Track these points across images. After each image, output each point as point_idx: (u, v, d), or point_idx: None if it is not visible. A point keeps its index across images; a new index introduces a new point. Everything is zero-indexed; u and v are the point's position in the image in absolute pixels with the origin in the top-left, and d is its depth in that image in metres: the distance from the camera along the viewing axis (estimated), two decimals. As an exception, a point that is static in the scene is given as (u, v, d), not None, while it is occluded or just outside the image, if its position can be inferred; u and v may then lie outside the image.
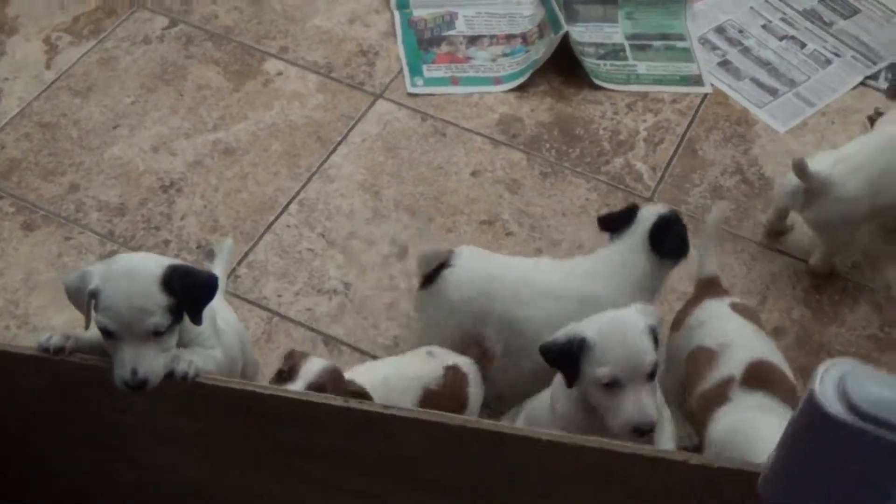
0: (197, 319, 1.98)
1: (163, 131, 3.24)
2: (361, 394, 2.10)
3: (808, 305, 2.93)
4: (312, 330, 2.80)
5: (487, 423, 1.96)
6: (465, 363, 2.47)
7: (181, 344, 2.01)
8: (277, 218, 3.05)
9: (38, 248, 2.93)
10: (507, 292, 2.52)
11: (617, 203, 3.12)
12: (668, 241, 2.51)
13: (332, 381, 2.09)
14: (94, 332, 1.96)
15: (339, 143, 3.25)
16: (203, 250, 2.95)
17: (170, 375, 1.93)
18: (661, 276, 2.55)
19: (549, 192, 3.16)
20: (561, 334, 2.07)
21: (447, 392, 2.40)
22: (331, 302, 2.86)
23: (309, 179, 3.15)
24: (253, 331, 2.76)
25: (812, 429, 0.95)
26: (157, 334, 1.91)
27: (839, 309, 2.93)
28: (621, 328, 2.03)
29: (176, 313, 1.94)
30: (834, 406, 0.92)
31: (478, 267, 2.55)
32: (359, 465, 2.04)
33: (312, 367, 2.10)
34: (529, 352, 2.29)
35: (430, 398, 2.34)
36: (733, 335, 2.40)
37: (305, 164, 3.19)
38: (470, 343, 2.53)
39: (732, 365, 2.32)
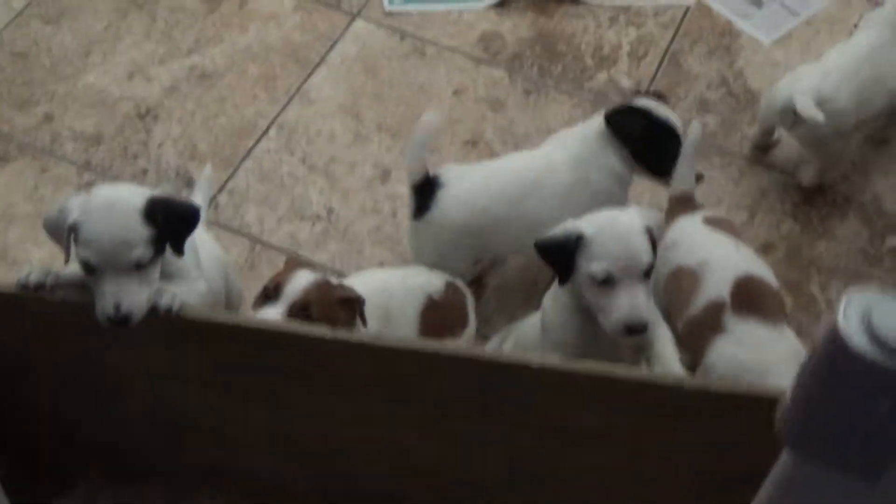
0: (179, 250, 1.95)
1: (137, 57, 3.17)
2: (351, 299, 2.08)
3: (797, 219, 2.90)
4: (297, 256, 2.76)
5: (480, 351, 1.93)
6: (461, 284, 2.50)
7: (163, 277, 1.96)
8: (257, 143, 3.00)
9: (13, 181, 2.87)
10: (503, 198, 2.50)
11: (601, 119, 3.07)
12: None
13: (318, 296, 2.06)
14: (74, 268, 1.92)
15: (318, 65, 3.19)
16: (182, 178, 2.89)
17: (153, 310, 1.90)
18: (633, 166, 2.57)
19: (533, 110, 3.11)
20: (558, 230, 2.04)
21: (449, 304, 2.43)
22: (314, 228, 2.82)
23: (288, 102, 3.09)
24: (236, 259, 2.72)
25: (835, 365, 0.92)
26: (139, 267, 1.87)
27: (828, 223, 2.91)
28: (619, 226, 2.01)
29: (158, 245, 1.90)
30: (859, 341, 0.89)
31: (470, 180, 2.52)
32: (351, 393, 2.02)
33: (297, 285, 2.06)
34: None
35: (432, 307, 2.37)
36: (712, 251, 2.38)
37: (284, 87, 3.13)
38: (467, 269, 2.53)
39: (718, 285, 2.30)
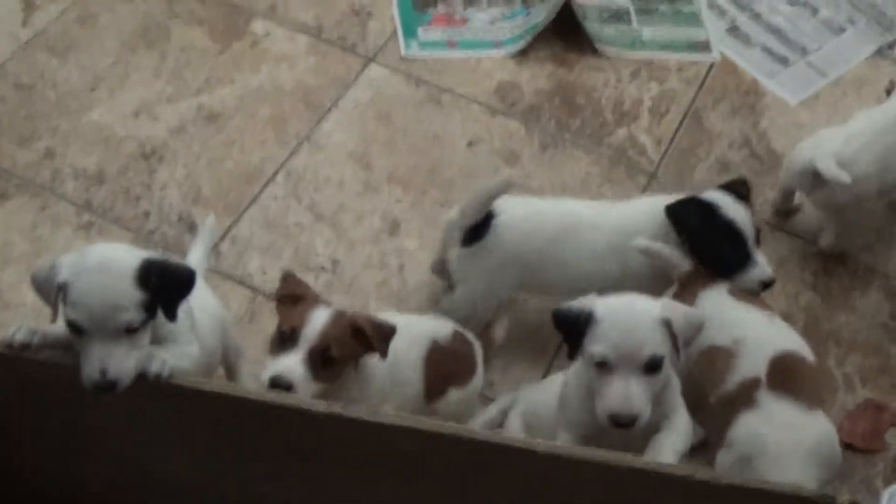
0: (172, 316, 1.87)
1: (144, 95, 3.09)
2: (362, 329, 2.04)
3: (817, 290, 2.82)
4: (298, 309, 2.67)
5: (482, 433, 1.87)
6: (471, 335, 2.47)
7: (154, 340, 1.89)
8: (263, 189, 2.91)
9: (11, 219, 2.79)
10: (546, 233, 2.50)
11: (619, 177, 3.00)
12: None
13: (336, 335, 2.02)
14: (61, 325, 1.84)
15: (330, 110, 3.11)
16: (185, 222, 2.81)
17: (142, 376, 1.82)
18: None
19: (549, 166, 3.03)
20: (575, 303, 1.99)
21: (455, 351, 2.40)
22: (318, 280, 2.74)
23: (297, 148, 3.01)
24: (236, 310, 2.64)
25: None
26: (129, 331, 1.80)
27: (849, 294, 2.82)
28: (630, 312, 1.94)
29: (150, 309, 1.83)
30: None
31: (524, 210, 2.52)
32: (347, 466, 1.94)
33: (314, 326, 2.01)
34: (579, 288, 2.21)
35: (437, 353, 2.33)
36: (746, 328, 2.30)
37: (294, 131, 3.05)
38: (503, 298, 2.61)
39: (754, 363, 2.24)
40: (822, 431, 2.17)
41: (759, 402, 2.18)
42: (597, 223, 2.51)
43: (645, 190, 2.98)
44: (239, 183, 2.91)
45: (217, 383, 1.93)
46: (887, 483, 2.49)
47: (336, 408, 1.84)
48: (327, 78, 3.18)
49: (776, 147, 3.12)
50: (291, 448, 1.93)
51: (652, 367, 1.92)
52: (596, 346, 1.92)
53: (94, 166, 2.91)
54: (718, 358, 2.27)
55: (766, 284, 2.41)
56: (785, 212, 2.95)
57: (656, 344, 1.92)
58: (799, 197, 2.92)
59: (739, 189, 2.49)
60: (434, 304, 2.68)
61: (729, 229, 2.40)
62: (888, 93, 3.12)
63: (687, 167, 3.06)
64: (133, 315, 1.79)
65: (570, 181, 2.98)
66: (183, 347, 1.97)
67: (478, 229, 2.47)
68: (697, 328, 2.00)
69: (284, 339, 2.02)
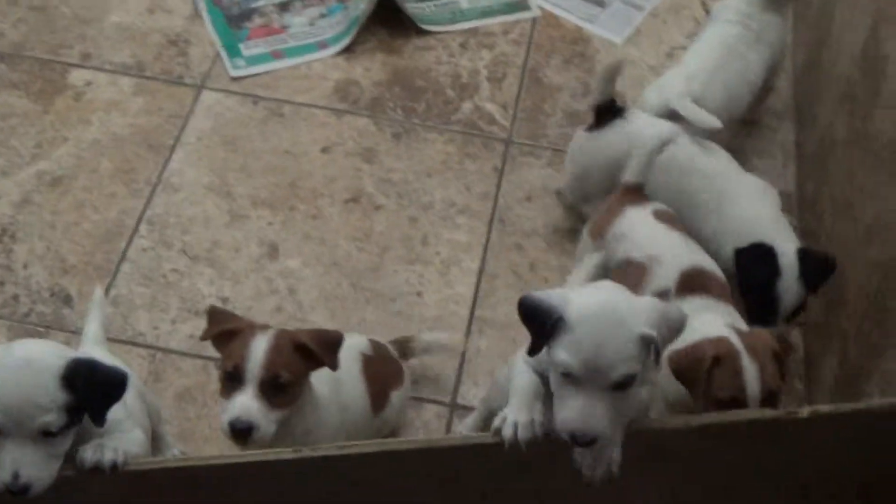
0: (100, 422, 1.77)
1: (-23, 175, 2.95)
2: (306, 345, 1.97)
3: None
4: (201, 357, 2.61)
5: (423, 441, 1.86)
6: (380, 340, 2.45)
7: (95, 434, 1.81)
8: (129, 243, 2.82)
9: None
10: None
11: (477, 150, 3.03)
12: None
13: (283, 360, 1.95)
14: None
15: (174, 148, 3.03)
16: (58, 297, 2.70)
17: (97, 468, 1.75)
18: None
19: (406, 154, 3.03)
20: (548, 297, 1.78)
21: (381, 357, 2.37)
22: (209, 322, 2.67)
23: (151, 194, 2.92)
24: (138, 374, 2.53)
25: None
26: (48, 434, 1.71)
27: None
28: (606, 322, 1.73)
29: (74, 413, 1.73)
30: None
31: (641, 125, 2.63)
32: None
33: (256, 358, 1.93)
34: None
35: (369, 363, 2.28)
36: (662, 247, 2.38)
37: (143, 178, 2.96)
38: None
39: (665, 277, 2.31)
40: (731, 310, 2.26)
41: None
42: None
43: (505, 157, 3.01)
44: (102, 243, 2.81)
45: (176, 459, 1.87)
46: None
47: (306, 451, 1.82)
48: (162, 115, 3.09)
49: (616, 88, 3.17)
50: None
51: (622, 386, 1.74)
52: (564, 355, 1.73)
53: (-53, 260, 2.77)
54: (632, 272, 2.34)
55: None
56: None
57: (630, 363, 1.73)
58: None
59: (817, 261, 2.43)
60: (333, 318, 2.66)
61: (767, 291, 2.42)
62: (707, 11, 3.22)
63: (538, 126, 3.11)
64: (53, 417, 1.70)
65: (432, 165, 2.99)
66: (127, 435, 1.89)
67: (601, 119, 2.66)
68: (678, 332, 1.84)
69: (232, 378, 1.94)
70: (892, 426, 1.84)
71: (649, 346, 1.74)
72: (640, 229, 2.42)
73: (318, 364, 2.00)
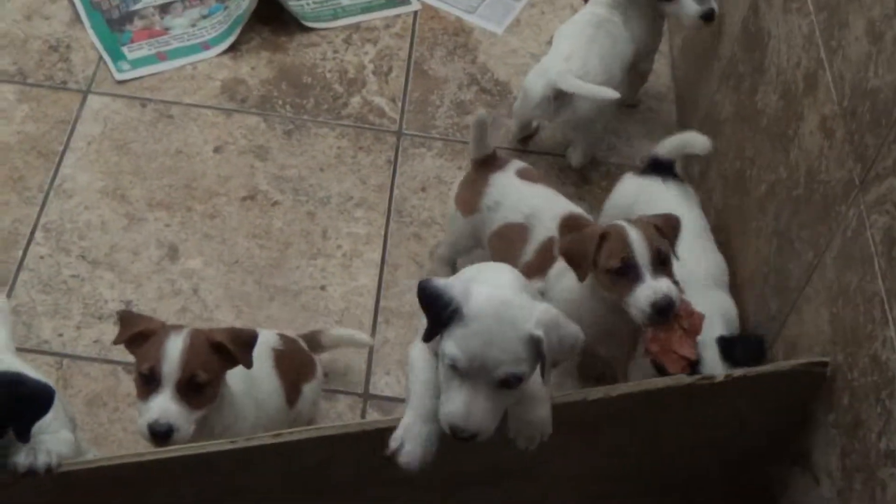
0: (24, 438, 1.75)
1: None
2: (220, 343, 2.00)
3: (582, 198, 2.98)
4: (109, 361, 2.62)
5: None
6: (290, 333, 2.48)
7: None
8: (26, 251, 2.81)
9: None
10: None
11: (369, 144, 3.08)
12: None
13: (198, 360, 1.96)
14: None
15: (64, 153, 3.01)
16: (-42, 309, 2.67)
17: (31, 472, 1.77)
18: None
19: (299, 150, 3.07)
20: (447, 285, 1.79)
21: (292, 350, 2.38)
22: (117, 327, 2.65)
23: (45, 201, 2.91)
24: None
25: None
26: None
27: (606, 194, 2.97)
28: (499, 318, 1.74)
29: None
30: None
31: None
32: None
33: (171, 358, 1.94)
34: None
35: (281, 358, 2.30)
36: (534, 203, 2.52)
37: (35, 185, 2.94)
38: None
39: (547, 228, 2.46)
40: None
41: (557, 255, 2.32)
42: None
43: (397, 149, 3.07)
44: (-2, 252, 2.80)
45: (112, 457, 1.87)
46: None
47: (241, 441, 1.85)
48: (49, 122, 3.07)
49: (500, 77, 3.27)
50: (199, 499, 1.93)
51: (507, 384, 1.75)
52: (452, 347, 1.74)
53: None
54: (514, 234, 2.47)
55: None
56: (526, 138, 3.11)
57: (517, 363, 1.74)
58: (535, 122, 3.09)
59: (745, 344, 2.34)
60: (240, 316, 2.69)
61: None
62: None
63: (427, 117, 3.17)
64: None
65: (325, 159, 3.03)
66: (56, 436, 1.90)
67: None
68: (570, 350, 1.84)
69: (148, 381, 1.95)
70: (795, 385, 1.96)
71: (538, 348, 1.74)
72: (511, 193, 2.54)
73: (233, 363, 2.02)
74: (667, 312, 2.10)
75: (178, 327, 2.03)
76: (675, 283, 2.14)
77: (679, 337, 2.16)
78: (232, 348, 2.00)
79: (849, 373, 1.88)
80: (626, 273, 2.11)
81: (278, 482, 1.94)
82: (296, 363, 2.38)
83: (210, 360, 1.99)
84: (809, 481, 2.01)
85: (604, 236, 2.15)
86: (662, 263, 2.13)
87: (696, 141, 2.61)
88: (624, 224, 2.17)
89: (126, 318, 2.10)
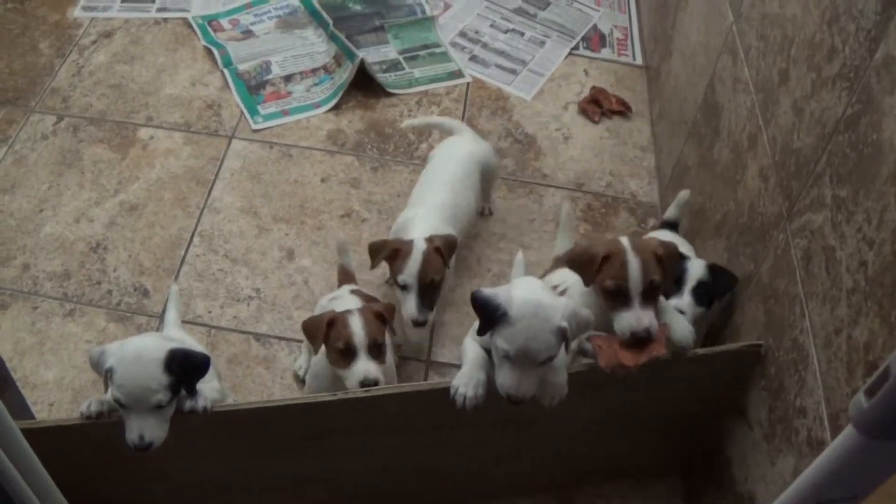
0: (192, 392, 1.82)
1: (78, 205, 2.98)
2: (382, 314, 2.10)
3: (588, 220, 3.00)
4: (243, 332, 2.68)
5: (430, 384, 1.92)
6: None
7: None
8: (187, 251, 2.87)
9: (14, 322, 2.66)
10: None
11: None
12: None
13: (375, 329, 2.05)
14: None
15: (215, 181, 3.07)
16: (139, 291, 2.75)
17: (193, 411, 1.82)
18: None
19: (382, 182, 3.10)
20: (495, 294, 1.78)
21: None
22: (249, 306, 2.74)
23: (201, 215, 2.97)
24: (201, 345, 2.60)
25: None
26: (159, 407, 1.76)
27: (608, 220, 3.00)
28: (536, 318, 1.74)
29: (175, 389, 1.78)
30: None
31: None
32: (350, 434, 1.99)
33: (357, 331, 2.02)
34: None
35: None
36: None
37: (194, 204, 3.01)
38: None
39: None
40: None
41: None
42: None
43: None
44: (168, 251, 2.86)
45: (248, 403, 1.91)
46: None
47: (342, 394, 1.89)
48: (204, 158, 3.14)
49: (528, 131, 3.29)
50: (308, 434, 1.96)
51: (543, 363, 1.77)
52: (504, 343, 1.76)
53: (60, 267, 2.80)
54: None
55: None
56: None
57: (550, 349, 1.75)
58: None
59: (717, 275, 2.15)
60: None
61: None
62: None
63: (474, 160, 3.18)
64: (162, 396, 1.75)
65: (401, 188, 3.06)
66: (210, 384, 1.96)
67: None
68: (585, 329, 1.84)
69: (345, 353, 2.02)
70: (738, 360, 1.96)
71: (564, 335, 1.76)
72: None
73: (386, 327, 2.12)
74: (642, 342, 1.87)
75: (348, 311, 2.08)
76: (657, 311, 1.91)
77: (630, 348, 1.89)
78: (387, 317, 2.09)
79: (776, 352, 1.89)
80: (618, 297, 1.89)
81: (370, 424, 1.97)
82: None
83: (380, 327, 2.07)
84: (745, 429, 2.02)
85: (607, 257, 1.90)
86: (652, 293, 1.89)
87: (682, 196, 2.48)
88: (627, 249, 1.89)
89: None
